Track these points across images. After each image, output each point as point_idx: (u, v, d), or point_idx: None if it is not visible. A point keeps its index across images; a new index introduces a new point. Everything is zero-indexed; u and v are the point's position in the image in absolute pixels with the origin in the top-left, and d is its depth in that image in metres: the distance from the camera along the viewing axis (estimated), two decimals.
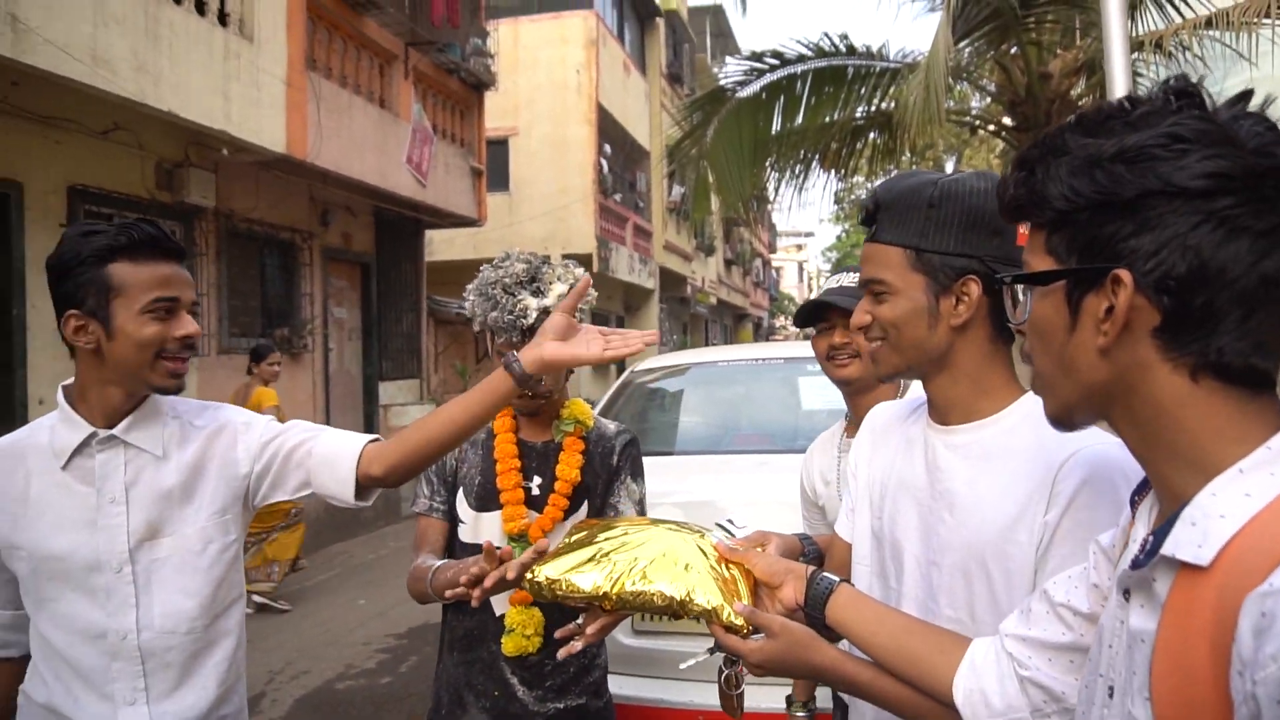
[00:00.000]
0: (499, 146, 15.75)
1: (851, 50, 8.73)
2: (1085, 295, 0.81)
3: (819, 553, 1.69)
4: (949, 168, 23.70)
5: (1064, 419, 0.90)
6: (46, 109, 6.28)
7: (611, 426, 2.06)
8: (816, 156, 9.67)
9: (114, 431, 1.51)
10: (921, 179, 1.23)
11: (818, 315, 2.04)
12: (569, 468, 1.94)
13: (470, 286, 1.92)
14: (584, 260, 16.22)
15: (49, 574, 1.49)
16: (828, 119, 9.10)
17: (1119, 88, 3.27)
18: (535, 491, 1.94)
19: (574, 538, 1.44)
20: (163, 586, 1.52)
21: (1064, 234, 0.82)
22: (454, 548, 1.98)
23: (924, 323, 1.20)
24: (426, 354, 11.98)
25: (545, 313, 1.80)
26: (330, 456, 1.57)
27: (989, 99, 10.37)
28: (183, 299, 1.50)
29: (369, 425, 10.23)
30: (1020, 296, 0.90)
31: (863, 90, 8.93)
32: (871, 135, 9.61)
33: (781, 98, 9.10)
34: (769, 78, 9.03)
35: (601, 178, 16.68)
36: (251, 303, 8.70)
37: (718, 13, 27.34)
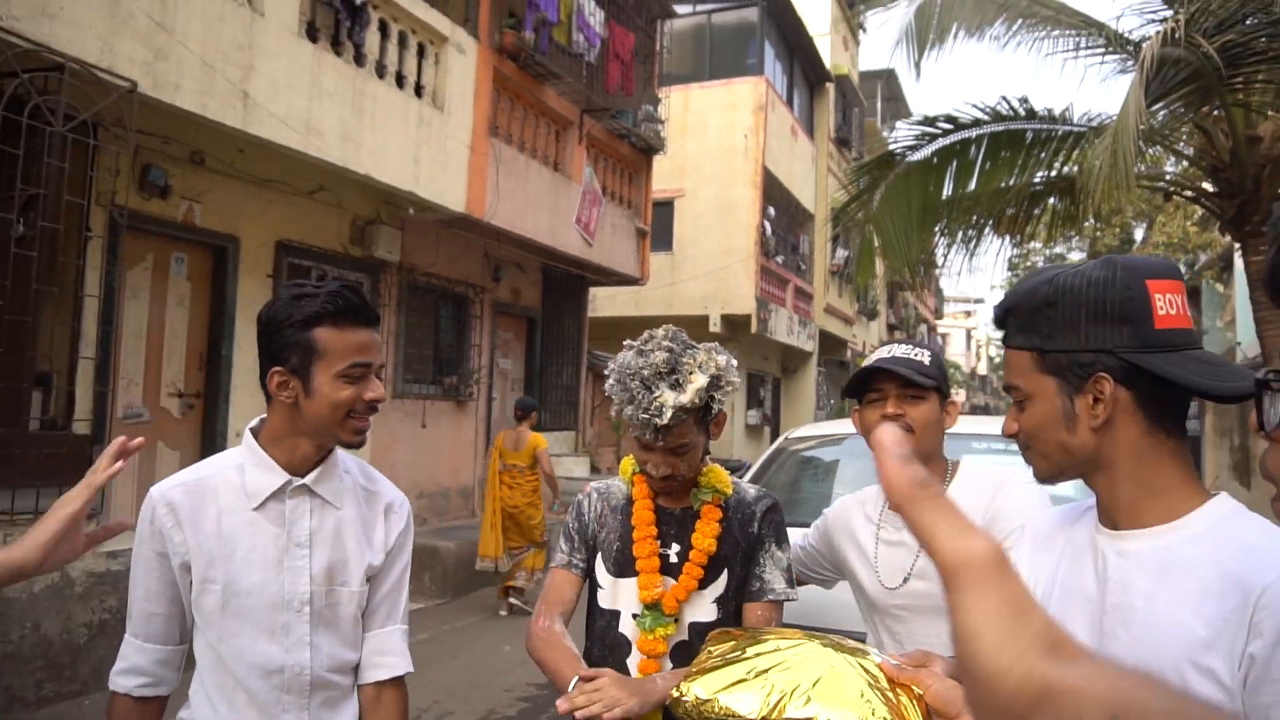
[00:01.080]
0: (664, 207, 16.12)
1: (1031, 114, 8.41)
2: None
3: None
4: (1139, 235, 22.21)
5: None
6: (263, 172, 6.99)
7: (751, 491, 2.02)
8: (990, 222, 9.32)
9: (305, 481, 1.62)
10: (1040, 278, 1.18)
11: (867, 384, 1.96)
12: (704, 537, 1.91)
13: (612, 367, 1.87)
14: (742, 321, 16.29)
15: (236, 609, 1.57)
16: (1003, 184, 8.77)
17: None
18: (673, 559, 1.93)
19: (718, 649, 1.40)
20: (331, 631, 1.63)
21: None
22: (594, 611, 1.99)
23: (1062, 426, 1.14)
24: (584, 407, 12.28)
25: (683, 411, 1.77)
26: (370, 650, 1.70)
27: (1185, 163, 9.70)
28: (374, 364, 1.61)
29: None
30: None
31: (1043, 155, 8.57)
32: (1051, 201, 9.20)
33: (954, 162, 8.86)
34: (941, 142, 8.81)
35: (764, 240, 16.73)
36: (425, 351, 9.24)
37: (889, 77, 27.10)
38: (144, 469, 6.25)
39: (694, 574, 1.89)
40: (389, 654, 1.70)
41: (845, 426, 4.46)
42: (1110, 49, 8.27)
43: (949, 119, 8.65)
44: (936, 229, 9.32)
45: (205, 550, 1.57)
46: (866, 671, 1.26)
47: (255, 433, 1.64)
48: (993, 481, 1.93)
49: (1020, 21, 8.49)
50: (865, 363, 2.00)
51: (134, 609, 1.61)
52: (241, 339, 6.94)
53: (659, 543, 1.93)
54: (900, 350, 1.96)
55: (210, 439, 6.78)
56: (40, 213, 4.78)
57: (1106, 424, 1.11)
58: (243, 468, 1.61)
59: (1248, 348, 12.64)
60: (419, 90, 7.66)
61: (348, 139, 6.73)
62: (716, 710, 1.24)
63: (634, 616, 1.90)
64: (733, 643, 1.39)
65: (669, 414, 1.77)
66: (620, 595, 1.93)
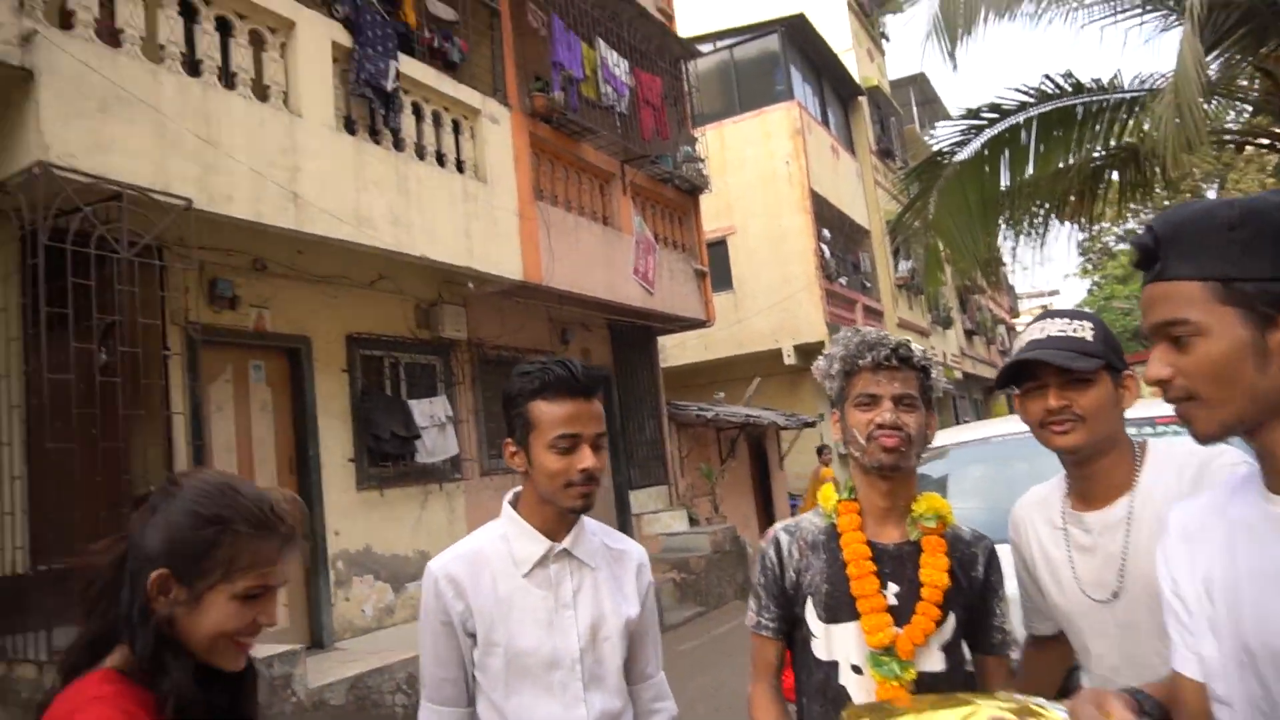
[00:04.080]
0: (718, 247, 16.03)
1: (1079, 88, 8.09)
2: None
3: (1160, 710, 1.35)
4: (1211, 195, 21.25)
5: None
6: (324, 270, 7.11)
7: (966, 530, 1.81)
8: (1055, 207, 8.96)
9: (565, 546, 1.74)
10: (1210, 203, 1.06)
11: (1024, 374, 1.70)
12: (936, 570, 1.69)
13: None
14: (816, 349, 16.02)
15: (517, 669, 1.67)
16: (1061, 164, 8.42)
17: None
18: (893, 601, 1.70)
19: None
20: (600, 685, 1.72)
21: None
22: (808, 664, 1.77)
23: (1249, 363, 0.99)
24: (671, 459, 12.07)
25: (911, 352, 1.73)
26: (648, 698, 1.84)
27: (1250, 112, 9.21)
28: (584, 434, 1.66)
29: (625, 534, 10.34)
30: None
31: (1098, 127, 8.21)
32: (1113, 175, 8.79)
33: (1006, 151, 8.55)
34: (989, 133, 8.54)
35: (824, 263, 16.47)
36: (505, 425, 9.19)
37: (920, 81, 26.82)
38: None
39: (930, 614, 1.67)
40: (664, 699, 1.85)
41: (947, 437, 4.14)
42: (1149, 7, 7.94)
43: (992, 107, 8.38)
44: (1000, 222, 8.99)
45: (486, 615, 1.68)
46: None
47: (513, 504, 1.78)
48: (1195, 460, 1.62)
49: None
50: (1017, 349, 1.74)
51: (426, 676, 1.75)
52: (325, 436, 6.99)
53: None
54: (1055, 327, 1.69)
55: (310, 540, 6.79)
56: (119, 339, 4.88)
57: None
58: (507, 537, 1.74)
59: None
60: (460, 165, 7.75)
61: (398, 223, 6.81)
62: None
63: (854, 668, 1.69)
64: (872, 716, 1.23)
65: (899, 340, 1.71)
66: (837, 643, 1.72)
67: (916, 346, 1.75)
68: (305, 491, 6.84)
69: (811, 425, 15.29)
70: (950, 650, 1.69)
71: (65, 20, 4.94)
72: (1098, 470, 1.65)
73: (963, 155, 8.64)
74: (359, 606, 7.02)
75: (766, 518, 15.29)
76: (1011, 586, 1.84)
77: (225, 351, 6.45)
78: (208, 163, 5.43)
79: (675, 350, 15.63)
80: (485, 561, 1.72)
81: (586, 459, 1.66)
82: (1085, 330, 1.66)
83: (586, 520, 1.80)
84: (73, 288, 4.61)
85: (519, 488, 1.79)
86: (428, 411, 7.77)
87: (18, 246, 4.89)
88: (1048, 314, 1.75)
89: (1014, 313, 42.04)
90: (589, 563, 1.76)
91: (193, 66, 5.62)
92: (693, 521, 11.59)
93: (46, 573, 4.41)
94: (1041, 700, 1.19)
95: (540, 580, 1.72)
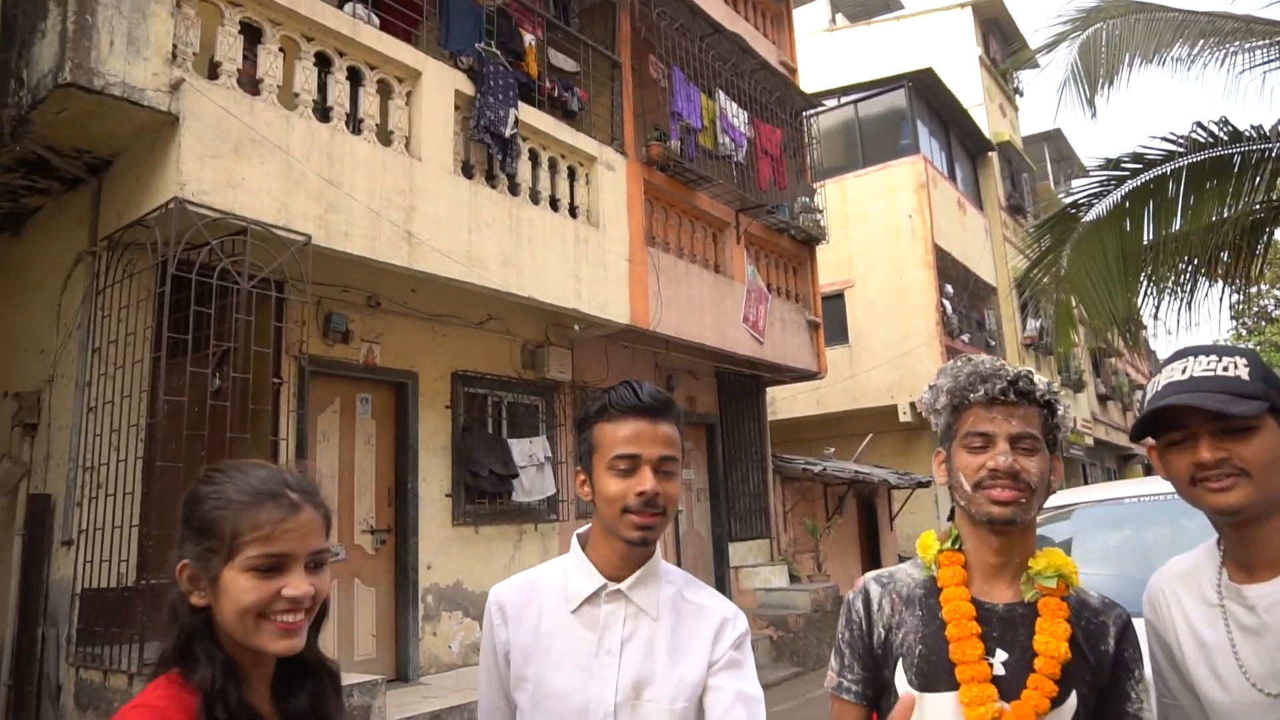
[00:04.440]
0: (835, 300, 15.70)
1: (1236, 136, 7.52)
2: None
3: None
4: None
5: None
6: (434, 308, 7.27)
7: (1094, 596, 1.54)
8: (1205, 265, 8.30)
9: (620, 586, 1.58)
10: None
11: (1164, 423, 1.44)
12: (1054, 639, 1.43)
13: (924, 394, 1.63)
14: None
15: (545, 710, 1.55)
16: (1214, 218, 7.81)
17: None
18: (1000, 670, 1.45)
19: None
20: None
21: None
22: None
23: None
24: (775, 513, 11.72)
25: (1033, 384, 1.49)
26: None
27: None
28: (644, 455, 1.53)
29: (720, 586, 10.05)
30: None
31: (1258, 179, 7.59)
32: (1275, 232, 8.10)
33: (1150, 203, 8.00)
34: (1130, 184, 8.03)
35: (945, 319, 15.87)
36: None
37: (1056, 138, 25.79)
38: (343, 606, 6.36)
39: (1044, 688, 1.40)
40: None
41: (1073, 496, 3.80)
42: None
43: (1135, 157, 7.88)
44: (1142, 278, 8.39)
45: (522, 647, 1.59)
46: None
47: (582, 539, 1.65)
48: None
49: (1202, 41, 7.73)
50: (1153, 393, 1.47)
51: (481, 701, 1.69)
52: (425, 471, 7.08)
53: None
54: (1201, 366, 1.43)
55: (403, 572, 6.85)
56: (233, 365, 5.08)
57: None
58: (567, 571, 1.62)
59: None
60: (573, 210, 7.83)
61: (508, 264, 6.90)
62: None
63: None
64: None
65: (1018, 370, 1.48)
66: (930, 715, 1.48)
67: (1040, 378, 1.49)
68: (402, 524, 6.92)
69: (925, 485, 14.62)
70: None
71: (212, 70, 5.26)
72: (1266, 534, 1.38)
73: (1102, 205, 8.16)
74: (446, 642, 7.01)
75: None
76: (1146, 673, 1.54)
77: (335, 383, 6.65)
78: (329, 202, 5.65)
79: (785, 403, 15.30)
80: (537, 593, 1.62)
81: (645, 482, 1.51)
82: (1239, 368, 1.40)
83: (668, 568, 1.65)
84: (194, 315, 4.83)
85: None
86: (527, 451, 7.78)
87: (151, 275, 5.17)
88: (1190, 350, 1.47)
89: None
90: (648, 611, 1.58)
91: (323, 113, 5.89)
92: (793, 578, 11.16)
93: (147, 586, 4.56)
94: None
95: (588, 620, 1.58)
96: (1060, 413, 1.51)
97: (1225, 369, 1.40)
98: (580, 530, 1.66)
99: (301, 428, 5.98)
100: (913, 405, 15.26)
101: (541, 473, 7.89)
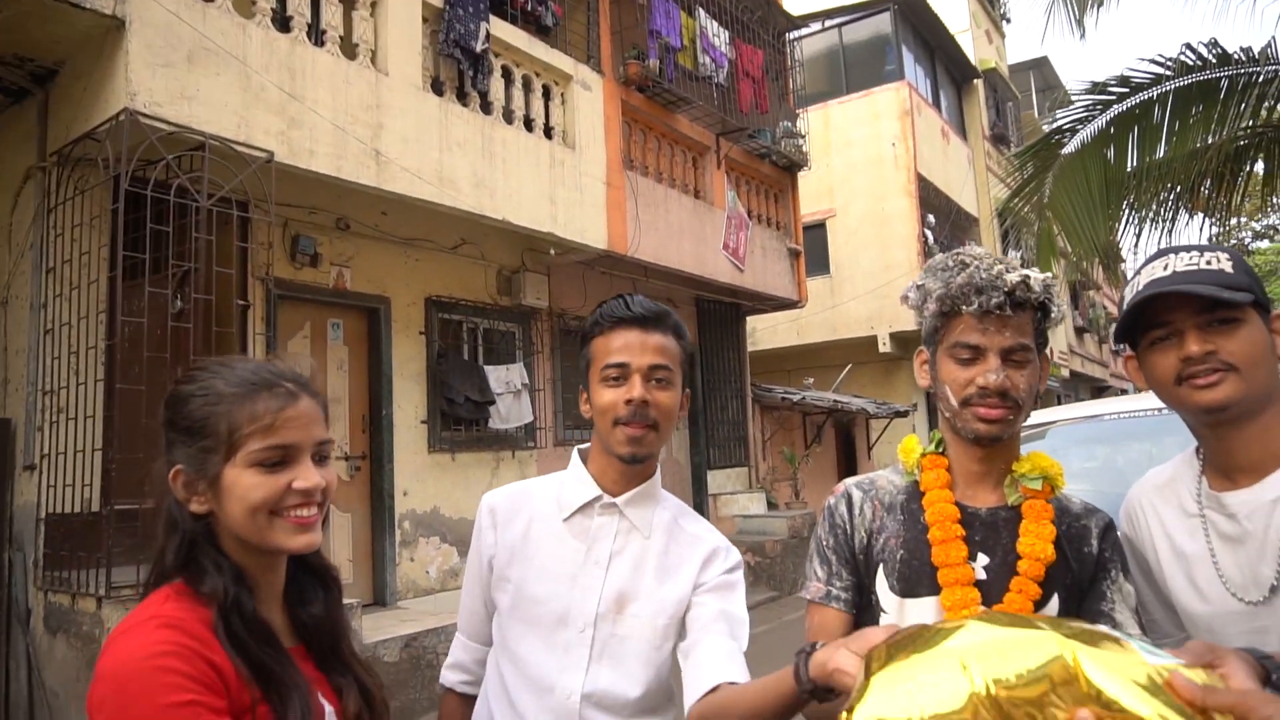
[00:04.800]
0: (816, 230, 15.56)
1: (1225, 59, 7.35)
2: None
3: None
4: None
5: None
6: (406, 232, 7.08)
7: (1077, 502, 1.50)
8: (1186, 194, 8.22)
9: (616, 500, 1.56)
10: None
11: (1146, 323, 1.38)
12: (1039, 541, 1.39)
13: (910, 286, 1.51)
14: (913, 337, 15.46)
15: (523, 615, 1.54)
16: (1199, 143, 7.70)
17: None
18: (982, 575, 1.41)
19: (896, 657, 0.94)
20: (613, 662, 1.51)
21: None
22: None
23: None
24: (753, 441, 11.77)
25: (1030, 290, 1.38)
26: (693, 669, 1.47)
27: None
28: (633, 364, 1.51)
29: (699, 513, 10.12)
30: None
31: (1244, 105, 7.47)
32: (1259, 162, 8.00)
33: (1135, 129, 7.88)
34: (1115, 110, 7.89)
35: (927, 250, 15.77)
36: None
37: (1042, 66, 25.40)
38: None
39: (1028, 591, 1.37)
40: (734, 664, 1.44)
41: (1049, 415, 3.73)
42: None
43: (1121, 80, 7.71)
44: (1124, 205, 8.30)
45: (508, 548, 1.58)
46: (1145, 674, 0.82)
47: (583, 456, 1.64)
48: None
49: None
50: (1136, 289, 1.40)
51: (462, 606, 1.68)
52: (400, 398, 6.99)
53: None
54: (1183, 261, 1.36)
55: (379, 498, 6.81)
56: (194, 287, 4.92)
57: None
58: (563, 482, 1.62)
59: None
60: (549, 131, 7.60)
61: (481, 186, 6.71)
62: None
63: None
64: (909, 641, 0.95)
65: (1016, 276, 1.37)
66: (910, 621, 1.40)
67: (1037, 279, 1.38)
68: (377, 450, 6.85)
69: (904, 415, 14.73)
70: None
71: None
72: (1248, 436, 1.33)
73: (1085, 134, 8.02)
74: (423, 567, 7.02)
75: None
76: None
77: (304, 308, 6.49)
78: (291, 117, 5.42)
79: (765, 334, 15.26)
80: (530, 499, 1.62)
81: (634, 389, 1.49)
82: (1222, 261, 1.34)
83: (667, 494, 1.65)
84: (151, 234, 4.65)
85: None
86: (504, 378, 7.69)
87: (104, 192, 4.96)
88: (1170, 249, 1.41)
89: None
90: (641, 529, 1.56)
91: (283, 22, 5.61)
92: (771, 505, 11.27)
93: (112, 511, 4.48)
94: (1124, 634, 0.91)
95: (578, 530, 1.56)
96: (1054, 314, 1.44)
97: (1209, 262, 1.35)
98: (582, 446, 1.66)
99: (270, 352, 5.84)
100: (892, 336, 15.27)
101: (519, 400, 7.82)
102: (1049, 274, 1.41)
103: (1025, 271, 1.39)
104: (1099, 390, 30.34)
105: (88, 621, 4.39)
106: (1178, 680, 0.81)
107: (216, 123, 5.00)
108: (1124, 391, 33.97)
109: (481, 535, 1.62)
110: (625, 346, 1.52)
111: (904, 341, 15.39)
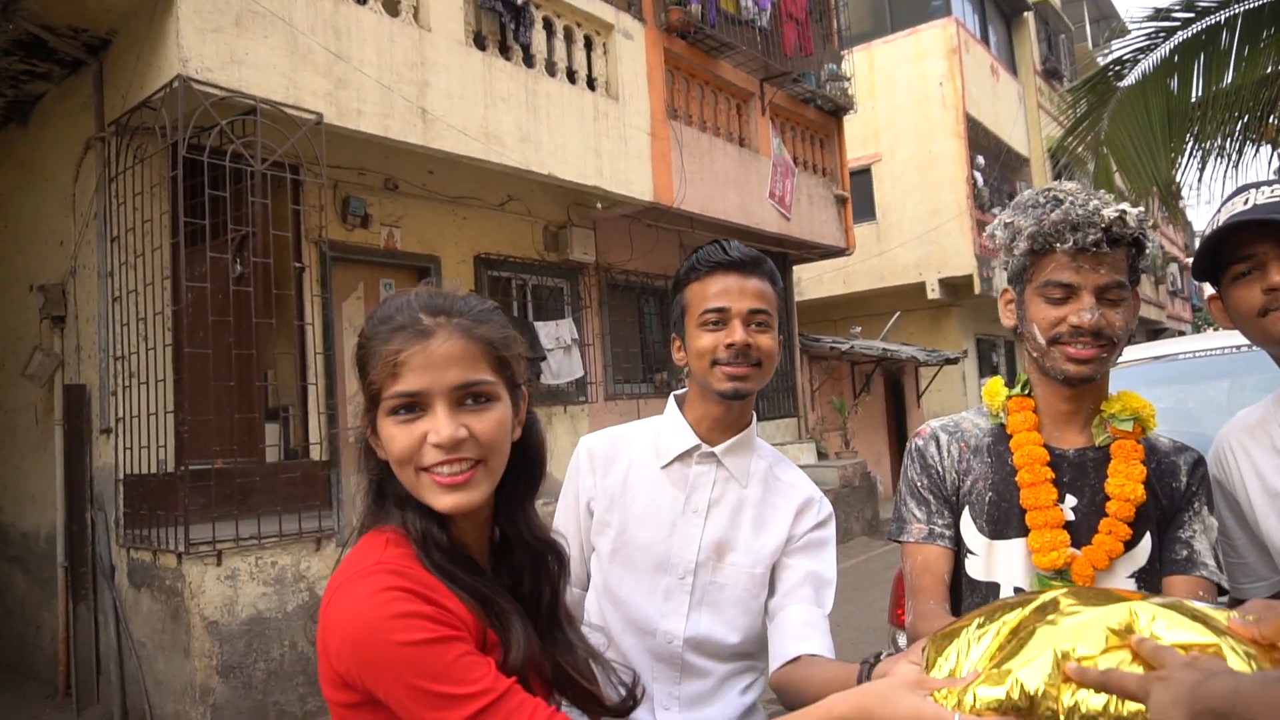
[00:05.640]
0: (861, 176, 15.25)
1: None
2: None
3: None
4: None
5: None
6: (454, 191, 7.10)
7: (1166, 440, 1.48)
8: (1255, 123, 7.88)
9: (714, 450, 1.56)
10: None
11: (1229, 255, 1.34)
12: (1129, 481, 1.37)
13: (996, 222, 1.49)
14: (963, 283, 15.15)
15: (624, 559, 1.55)
16: (1269, 69, 7.36)
17: None
18: (1070, 515, 1.40)
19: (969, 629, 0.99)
20: (713, 609, 1.52)
21: None
22: (959, 587, 1.50)
23: None
24: (802, 391, 11.73)
25: (1126, 226, 1.34)
26: (778, 634, 1.49)
27: None
28: (733, 309, 1.49)
29: None
30: None
31: None
32: None
33: (1201, 56, 7.56)
34: (1180, 37, 7.56)
35: (976, 192, 15.40)
36: (631, 349, 9.10)
37: None
38: None
39: (1118, 532, 1.36)
40: (816, 633, 1.45)
41: (1181, 344, 3.51)
42: None
43: (1186, 4, 7.38)
44: (1188, 138, 7.99)
45: (608, 494, 1.58)
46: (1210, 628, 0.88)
47: (679, 401, 1.63)
48: None
49: None
50: (1215, 226, 1.37)
51: None
52: None
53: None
54: (1264, 195, 1.33)
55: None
56: (253, 250, 5.00)
57: None
58: (659, 429, 1.61)
59: None
60: (591, 83, 7.53)
61: (526, 141, 6.68)
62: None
63: (1017, 590, 1.41)
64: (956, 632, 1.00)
65: (1112, 211, 1.33)
66: (999, 562, 1.45)
67: (1132, 213, 1.34)
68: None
69: (954, 362, 14.54)
70: (1144, 579, 1.38)
71: None
72: None
73: (1146, 64, 7.71)
74: None
75: (900, 456, 14.77)
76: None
77: (357, 269, 6.57)
78: (338, 78, 5.43)
79: (811, 284, 15.10)
80: (627, 445, 1.62)
81: (735, 333, 1.47)
82: None
83: (761, 442, 1.63)
84: (209, 200, 4.72)
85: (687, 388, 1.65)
86: (553, 333, 7.74)
87: (162, 160, 5.04)
88: (1249, 185, 1.39)
89: (1189, 251, 38.53)
90: (738, 478, 1.56)
91: None
92: (821, 455, 11.26)
93: (187, 472, 4.62)
94: (1206, 605, 0.93)
95: (677, 478, 1.56)
96: (1149, 249, 1.40)
97: None
98: (677, 392, 1.65)
99: (327, 313, 5.93)
100: (941, 283, 15.01)
101: (569, 355, 7.87)
102: (1141, 209, 1.38)
103: (1122, 206, 1.35)
104: (1155, 332, 29.61)
105: (169, 576, 4.57)
106: (1235, 624, 0.85)
107: (266, 86, 5.03)
108: (1181, 333, 33.11)
109: (579, 478, 1.63)
110: (724, 291, 1.50)
111: (953, 288, 15.12)
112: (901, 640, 1.61)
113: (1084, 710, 0.84)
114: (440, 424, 1.00)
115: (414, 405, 1.01)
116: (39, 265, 5.92)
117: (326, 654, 0.96)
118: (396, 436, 1.01)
